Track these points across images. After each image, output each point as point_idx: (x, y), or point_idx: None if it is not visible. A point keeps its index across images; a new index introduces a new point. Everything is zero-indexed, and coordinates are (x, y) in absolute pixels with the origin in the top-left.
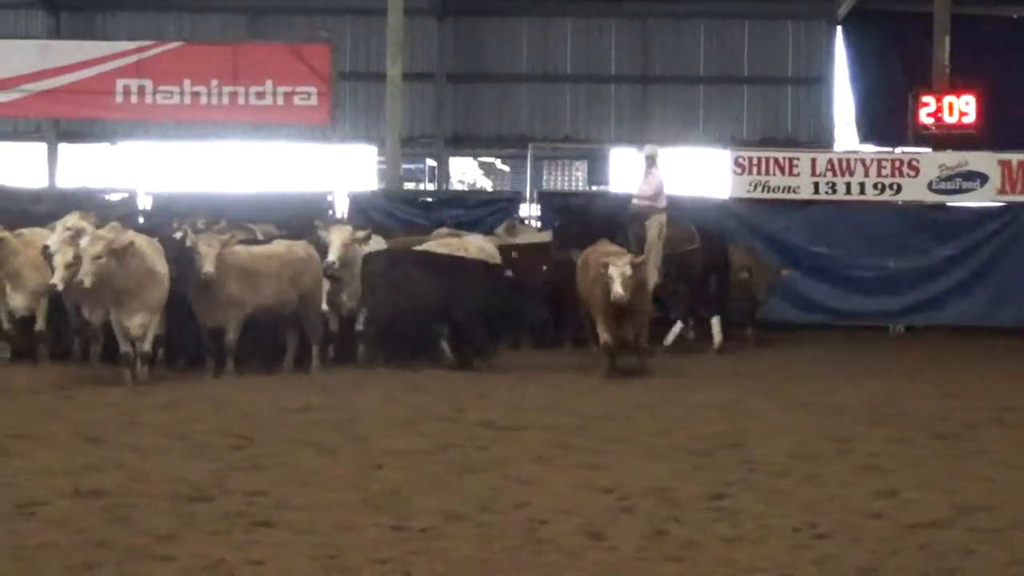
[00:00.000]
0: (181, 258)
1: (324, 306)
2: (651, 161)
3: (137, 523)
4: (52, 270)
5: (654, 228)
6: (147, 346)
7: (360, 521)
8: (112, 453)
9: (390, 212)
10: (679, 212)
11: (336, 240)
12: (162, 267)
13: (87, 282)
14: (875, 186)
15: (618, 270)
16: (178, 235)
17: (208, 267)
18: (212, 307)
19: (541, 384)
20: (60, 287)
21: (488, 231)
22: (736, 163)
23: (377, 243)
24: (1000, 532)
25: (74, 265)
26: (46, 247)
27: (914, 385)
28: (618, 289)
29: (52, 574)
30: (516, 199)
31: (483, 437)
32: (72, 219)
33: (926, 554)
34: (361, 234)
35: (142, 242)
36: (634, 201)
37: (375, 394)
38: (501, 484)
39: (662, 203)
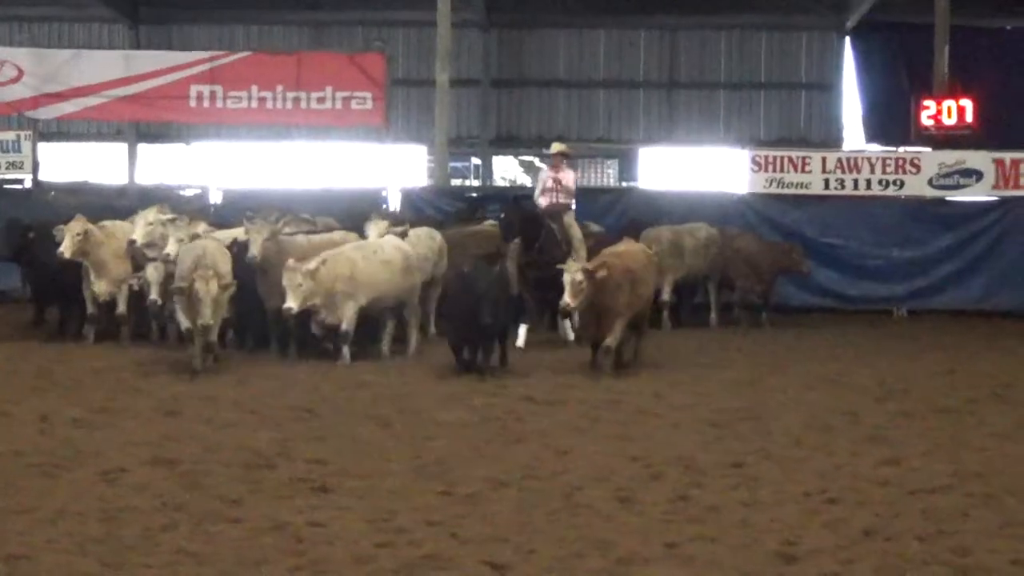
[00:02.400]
0: (241, 248)
1: None
2: (561, 158)
3: (209, 488)
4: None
5: (576, 226)
6: (213, 337)
7: (412, 487)
8: (188, 425)
9: (438, 206)
10: (704, 207)
11: (373, 233)
12: (225, 267)
13: (212, 317)
14: (880, 182)
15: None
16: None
17: (253, 250)
18: (274, 291)
19: (577, 364)
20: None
21: None
22: (754, 161)
23: (430, 235)
24: (994, 497)
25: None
26: (132, 241)
27: (919, 364)
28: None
29: (133, 534)
30: None
31: (524, 411)
32: (151, 213)
33: (926, 517)
34: (399, 229)
35: (212, 248)
36: (545, 199)
37: (426, 372)
38: (541, 453)
39: (572, 200)
